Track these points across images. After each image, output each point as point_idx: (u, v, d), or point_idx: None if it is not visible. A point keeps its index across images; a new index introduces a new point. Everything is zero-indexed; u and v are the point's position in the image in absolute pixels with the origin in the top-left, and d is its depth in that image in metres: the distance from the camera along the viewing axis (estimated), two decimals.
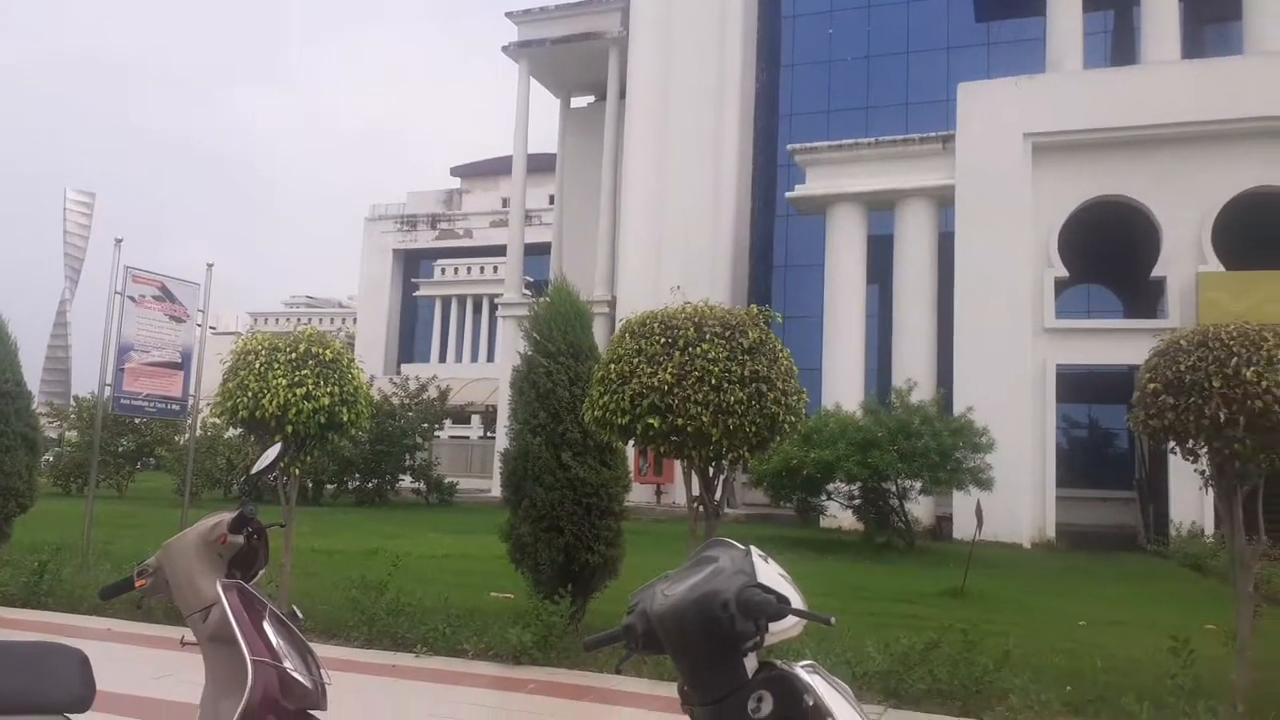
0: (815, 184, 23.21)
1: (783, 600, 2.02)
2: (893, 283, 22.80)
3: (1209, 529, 16.64)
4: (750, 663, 2.00)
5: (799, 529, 18.77)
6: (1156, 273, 19.82)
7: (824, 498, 17.43)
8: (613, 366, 6.43)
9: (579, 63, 30.73)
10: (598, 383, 6.56)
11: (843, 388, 21.37)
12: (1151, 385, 5.80)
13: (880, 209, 22.94)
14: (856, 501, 17.06)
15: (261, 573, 2.97)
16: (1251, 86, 19.17)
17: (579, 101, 33.76)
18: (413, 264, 57.12)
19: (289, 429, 7.41)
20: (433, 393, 27.12)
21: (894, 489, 16.52)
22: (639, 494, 23.89)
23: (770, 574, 2.07)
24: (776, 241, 29.01)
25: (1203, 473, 5.90)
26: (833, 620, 2.08)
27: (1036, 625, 8.81)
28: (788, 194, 24.21)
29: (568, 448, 7.45)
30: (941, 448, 15.53)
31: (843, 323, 22.64)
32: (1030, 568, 15.01)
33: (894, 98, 27.10)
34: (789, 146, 24.48)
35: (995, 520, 16.88)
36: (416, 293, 56.98)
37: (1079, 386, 21.89)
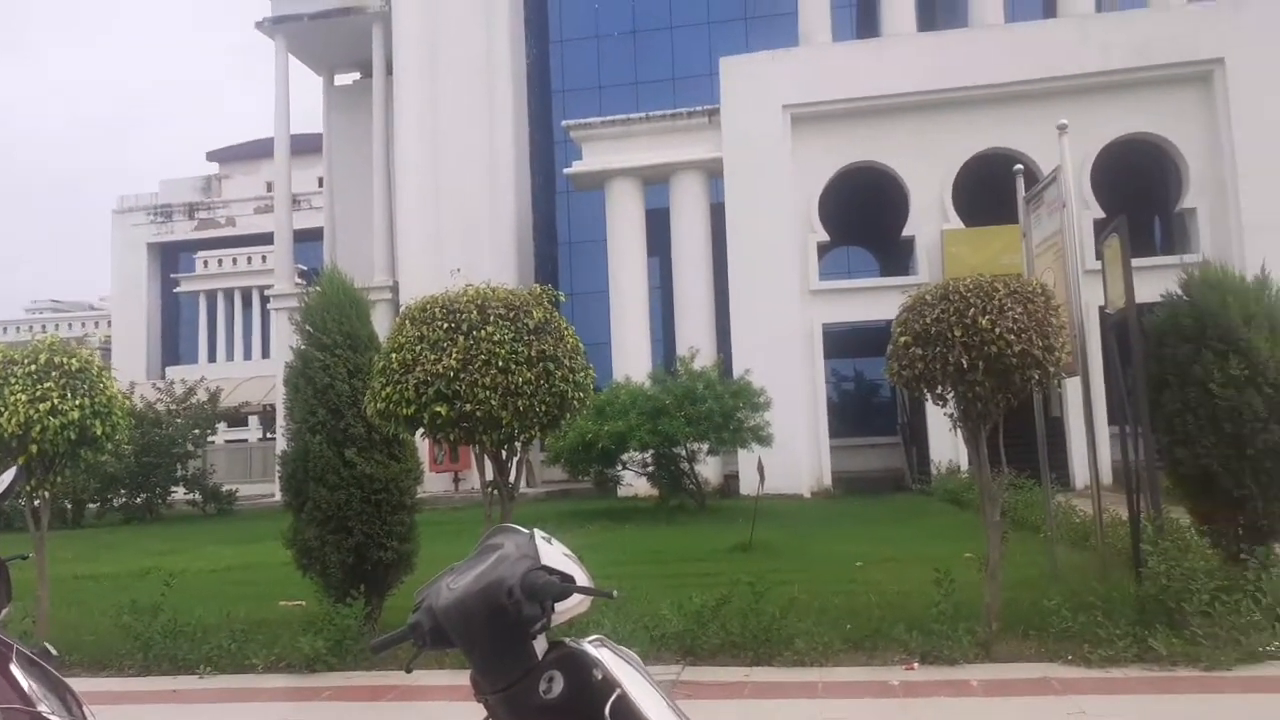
0: (592, 160, 23.42)
1: (567, 580, 2.05)
2: (671, 254, 23.43)
3: (964, 465, 18.30)
4: (540, 645, 2.02)
5: (598, 500, 19.07)
6: (906, 232, 21.45)
7: (619, 468, 17.79)
8: (394, 356, 6.26)
9: (340, 38, 29.37)
10: (379, 373, 6.36)
11: (631, 359, 21.81)
12: (903, 339, 6.27)
13: (656, 182, 23.47)
14: (650, 469, 17.53)
15: (5, 611, 2.70)
16: (978, 56, 21.00)
17: (343, 79, 32.31)
18: (171, 258, 53.04)
19: (33, 448, 6.74)
20: (202, 395, 25.37)
21: (684, 453, 17.09)
22: (436, 483, 23.45)
23: (554, 555, 2.10)
24: (559, 218, 29.09)
25: (951, 415, 6.47)
26: (615, 594, 2.13)
27: (818, 570, 9.40)
28: (565, 170, 24.31)
29: (351, 444, 7.20)
30: (724, 410, 16.20)
31: (627, 296, 23.06)
32: (811, 516, 15.99)
33: (662, 73, 27.71)
34: (564, 123, 24.55)
35: (777, 474, 17.79)
36: (177, 289, 53.01)
37: (844, 342, 23.39)
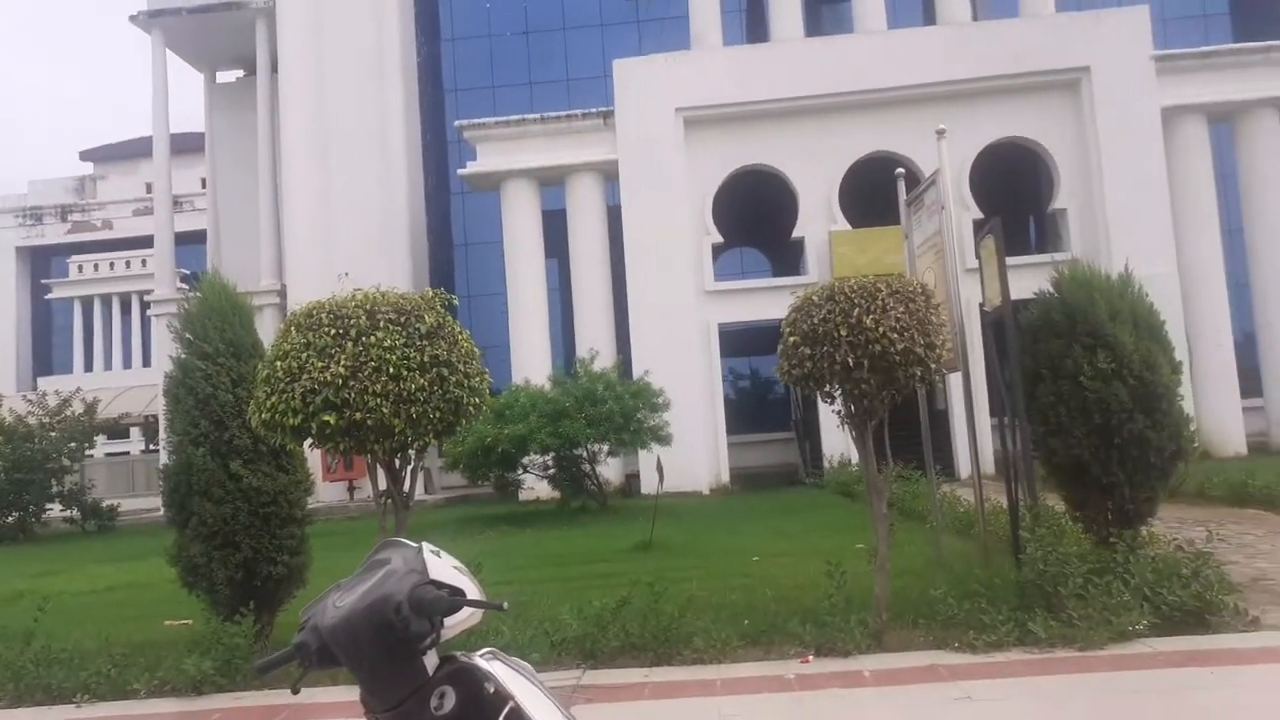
0: (486, 160, 23.19)
1: (457, 593, 2.04)
2: (569, 256, 23.39)
3: (855, 459, 18.81)
4: (430, 660, 2.00)
5: (498, 505, 18.92)
6: (796, 233, 21.94)
7: (520, 471, 17.68)
8: (279, 364, 6.07)
9: (222, 34, 28.35)
10: (263, 382, 6.16)
11: (531, 362, 21.69)
12: (792, 338, 6.41)
13: (552, 184, 23.39)
14: (551, 471, 17.47)
15: None
16: (862, 62, 21.63)
17: (226, 76, 31.20)
18: (42, 262, 50.30)
19: None
20: (78, 407, 24.13)
21: (585, 454, 17.09)
22: (330, 493, 22.90)
23: (443, 568, 2.08)
24: (454, 220, 28.70)
25: (839, 412, 6.65)
26: (505, 606, 2.13)
27: (716, 566, 9.53)
28: (460, 171, 24.00)
29: (237, 456, 6.96)
30: (624, 410, 16.27)
31: (525, 298, 22.91)
32: (709, 513, 16.21)
33: (556, 74, 27.63)
34: (457, 123, 24.24)
35: (677, 472, 17.96)
36: (49, 295, 50.24)
37: (740, 341, 23.78)
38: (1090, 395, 6.77)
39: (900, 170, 10.01)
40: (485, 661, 2.03)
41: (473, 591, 2.08)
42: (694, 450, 19.93)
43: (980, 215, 20.10)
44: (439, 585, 2.02)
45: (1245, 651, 5.69)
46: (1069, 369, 6.88)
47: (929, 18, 24.78)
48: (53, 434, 22.90)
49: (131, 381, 40.02)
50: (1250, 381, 21.38)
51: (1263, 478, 12.13)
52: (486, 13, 28.67)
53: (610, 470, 19.89)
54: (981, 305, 8.51)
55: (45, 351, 50.04)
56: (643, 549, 11.05)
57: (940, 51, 21.47)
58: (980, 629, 6.10)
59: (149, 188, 42.85)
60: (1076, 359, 6.85)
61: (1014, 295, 7.43)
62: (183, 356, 7.29)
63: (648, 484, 19.42)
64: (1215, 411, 20.30)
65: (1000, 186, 21.72)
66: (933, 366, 6.21)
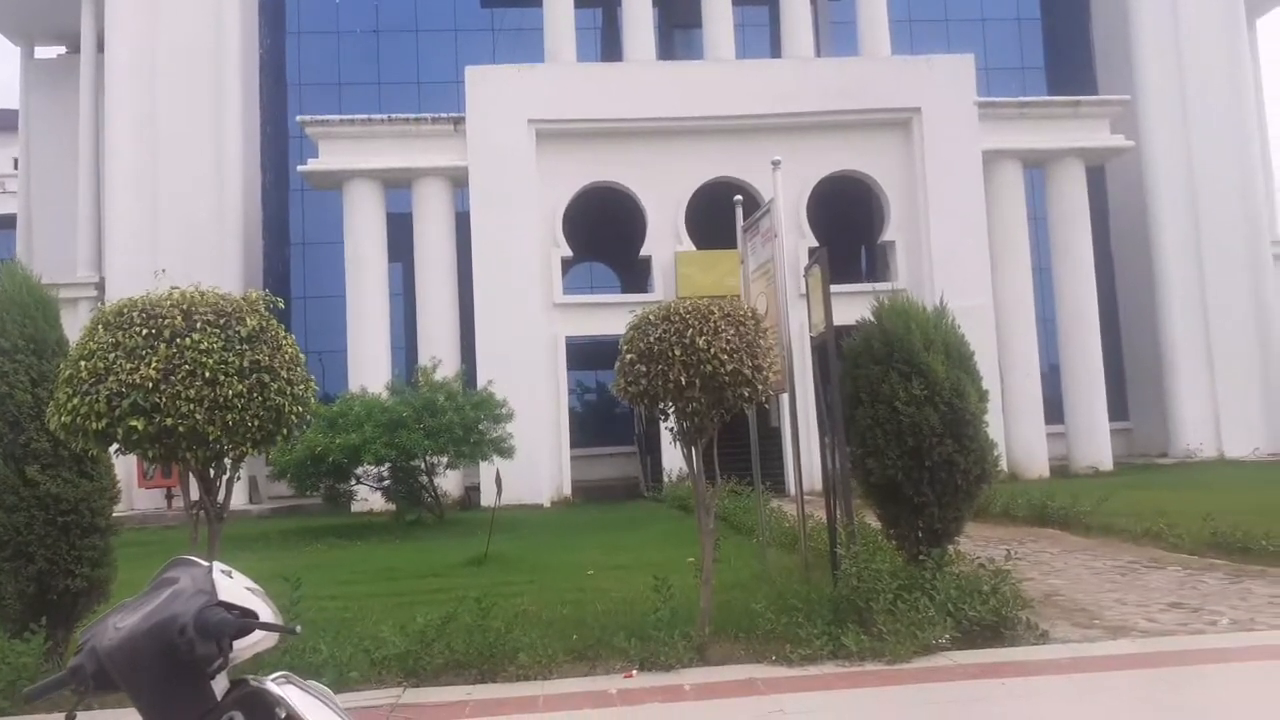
0: (329, 159, 22.46)
1: (248, 615, 1.98)
2: (414, 261, 22.90)
3: (688, 471, 19.21)
4: (220, 684, 1.94)
5: (329, 517, 18.24)
6: (644, 252, 22.27)
7: (353, 483, 17.11)
8: (83, 364, 5.68)
9: (42, 6, 26.40)
10: (64, 383, 5.75)
11: (369, 368, 21.08)
12: (629, 355, 6.52)
13: (398, 187, 22.88)
14: (386, 483, 17.00)
15: None
16: (708, 88, 22.23)
17: (46, 52, 29.04)
18: None
19: None
20: None
21: (422, 466, 16.73)
22: (147, 500, 21.56)
23: (235, 589, 2.02)
24: (293, 218, 27.60)
25: (671, 429, 6.80)
26: (299, 629, 2.08)
27: (550, 580, 9.53)
28: (300, 168, 23.15)
29: (34, 460, 6.47)
30: (465, 422, 16.03)
31: (366, 302, 22.26)
32: (549, 526, 16.17)
33: (406, 75, 27.10)
34: (299, 118, 23.38)
35: (518, 484, 17.91)
36: None
37: (586, 355, 23.90)
38: (904, 420, 7.17)
39: (739, 197, 10.35)
40: (277, 686, 1.99)
41: (265, 614, 2.03)
42: (537, 463, 19.86)
43: (816, 243, 20.95)
44: (229, 607, 1.97)
45: (1035, 663, 6.13)
46: (885, 394, 7.27)
47: (775, 49, 25.74)
48: None
49: None
50: (1054, 409, 23.13)
51: (1060, 499, 13.13)
52: (336, 9, 27.84)
53: (449, 482, 19.55)
54: (810, 330, 8.88)
55: None
56: (477, 563, 10.92)
57: (783, 84, 22.30)
58: (796, 643, 6.33)
59: None
60: (893, 384, 7.25)
61: (846, 320, 7.80)
62: None
63: (487, 496, 19.21)
64: (1022, 437, 21.86)
65: (837, 215, 22.74)
66: (760, 388, 6.43)
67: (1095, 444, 22.79)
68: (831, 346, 7.53)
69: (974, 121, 22.39)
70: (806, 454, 8.86)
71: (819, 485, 12.35)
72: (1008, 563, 7.23)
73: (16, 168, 30.40)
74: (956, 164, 22.05)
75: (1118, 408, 24.75)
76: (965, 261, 21.59)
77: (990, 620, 6.49)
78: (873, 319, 7.75)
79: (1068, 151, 23.22)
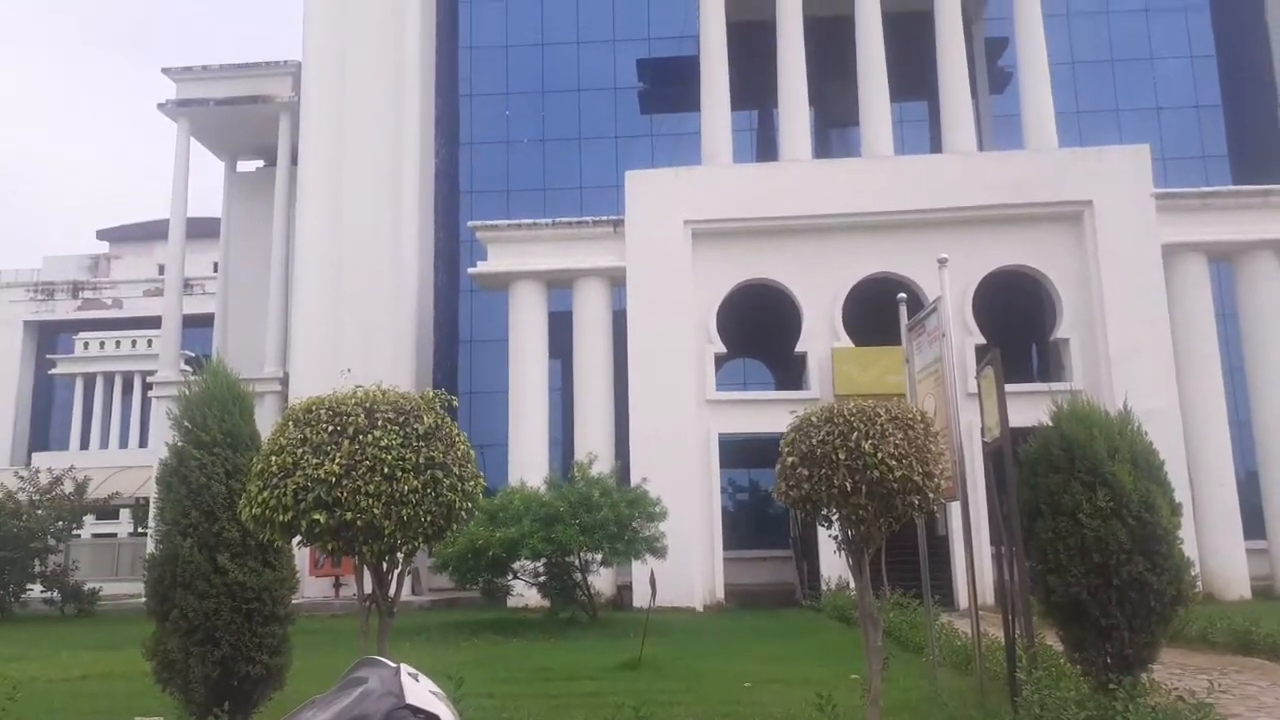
0: (497, 261, 23.55)
1: (433, 719, 1.99)
2: (573, 358, 23.52)
3: (852, 584, 18.50)
4: None
5: (486, 611, 18.49)
6: (799, 348, 22.06)
7: (510, 577, 17.31)
8: (274, 458, 6.04)
9: (246, 125, 29.20)
10: (256, 476, 6.12)
11: (529, 462, 21.56)
12: (790, 459, 6.38)
13: (560, 286, 23.70)
14: (542, 578, 17.13)
15: None
16: (868, 185, 22.16)
17: (246, 165, 32.01)
18: (49, 338, 50.59)
19: None
20: (69, 486, 23.92)
21: (577, 562, 16.80)
22: (315, 588, 22.47)
23: (420, 693, 2.04)
24: (461, 316, 28.95)
25: (835, 537, 6.56)
26: None
27: (706, 690, 9.26)
28: (470, 270, 24.35)
29: (224, 549, 6.87)
30: (619, 518, 16.06)
31: (527, 397, 22.94)
32: (702, 631, 15.82)
33: (569, 181, 28.29)
34: (470, 223, 24.70)
35: (670, 586, 17.67)
36: (53, 370, 50.36)
37: (740, 452, 23.68)
38: (1089, 534, 6.69)
39: (902, 295, 10.13)
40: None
41: (449, 718, 2.03)
42: (689, 564, 19.60)
43: (983, 340, 20.23)
44: (415, 710, 1.98)
45: None
46: (1067, 505, 6.82)
47: (935, 145, 25.48)
48: (39, 512, 22.64)
49: (126, 461, 39.76)
50: (1254, 522, 21.14)
51: (1267, 625, 11.87)
52: (506, 120, 29.55)
53: (602, 580, 19.50)
54: (982, 433, 8.49)
55: (44, 427, 49.91)
56: (631, 668, 10.75)
57: (946, 179, 21.99)
58: None
59: (161, 269, 43.53)
60: (1075, 495, 6.80)
61: (1016, 422, 7.41)
62: (179, 444, 7.27)
63: (640, 597, 19.00)
64: (1219, 552, 20.01)
65: (1004, 312, 21.94)
66: (930, 496, 6.15)
67: None
68: (1008, 453, 7.16)
69: (1151, 214, 21.34)
70: (979, 565, 8.36)
71: (992, 599, 11.59)
72: (1210, 695, 6.54)
73: (216, 270, 33.27)
74: (1133, 258, 20.99)
75: None
76: (1146, 361, 20.33)
77: None
78: (1050, 423, 7.34)
79: (1259, 244, 21.73)
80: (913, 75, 25.56)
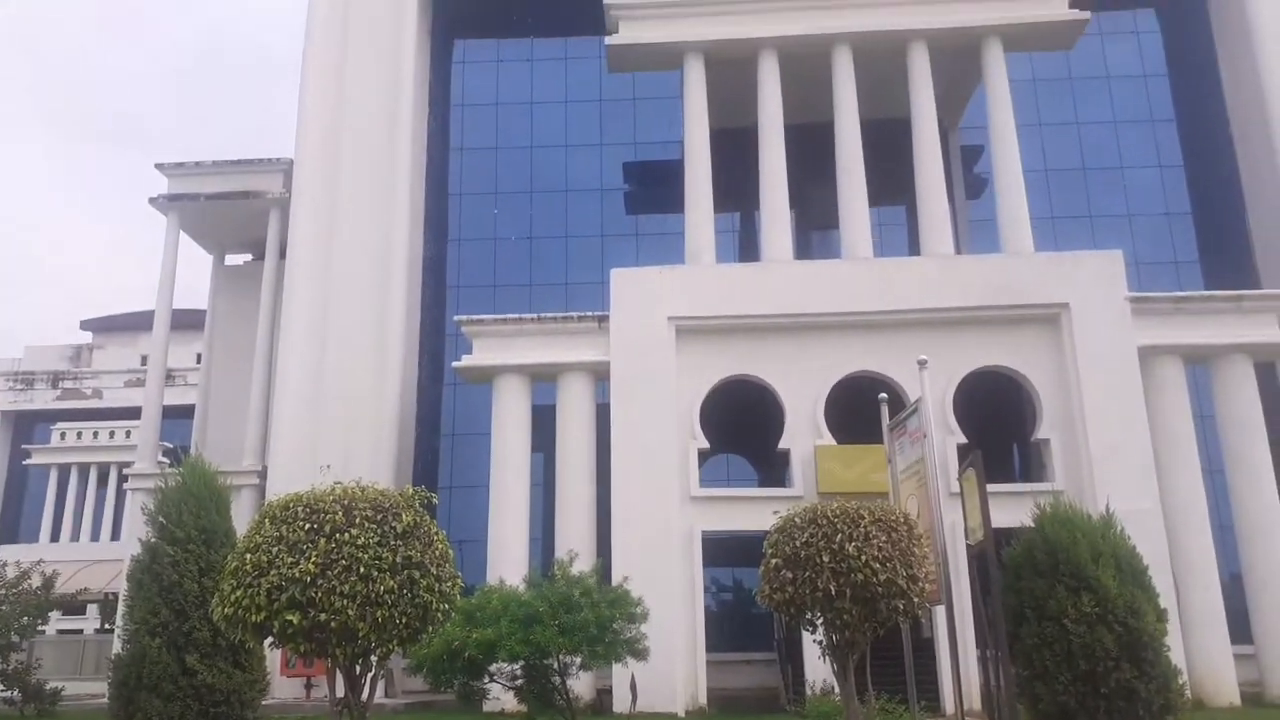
0: (481, 355, 23.61)
1: None
2: (555, 452, 23.37)
3: (838, 689, 18.09)
4: None
5: (461, 715, 17.93)
6: (782, 445, 22.05)
7: (487, 680, 16.80)
8: (249, 556, 5.95)
9: (236, 220, 29.65)
10: (229, 574, 6.01)
11: (508, 558, 21.22)
12: (774, 560, 6.34)
13: (544, 380, 23.72)
14: (519, 682, 16.62)
15: None
16: (849, 286, 22.53)
17: (234, 258, 32.29)
18: (26, 428, 50.07)
19: None
20: (36, 580, 23.30)
21: (555, 665, 16.35)
22: (287, 688, 21.78)
23: None
24: (444, 410, 28.86)
25: (820, 642, 6.46)
26: None
27: None
28: (454, 363, 24.38)
29: (194, 649, 6.71)
30: (600, 620, 15.66)
31: (508, 492, 22.69)
32: None
33: (554, 277, 28.63)
34: (456, 317, 24.84)
35: (651, 689, 17.26)
36: (28, 460, 49.65)
37: (723, 551, 23.39)
38: (1075, 640, 6.62)
39: (883, 395, 10.23)
40: None
41: None
42: (671, 666, 19.14)
43: (965, 439, 20.29)
44: None
45: None
46: (1053, 610, 6.77)
47: (914, 249, 26.01)
48: (4, 608, 21.99)
49: (96, 555, 38.88)
50: (1240, 626, 20.93)
51: None
52: (493, 218, 30.04)
53: (581, 684, 18.94)
54: (966, 534, 8.45)
55: (14, 518, 48.97)
56: None
57: (925, 280, 22.40)
58: None
59: (144, 360, 43.38)
60: (1060, 600, 6.76)
61: (999, 523, 7.39)
62: (152, 540, 7.17)
63: (620, 701, 18.54)
64: (1206, 658, 19.70)
65: (985, 411, 22.08)
66: (915, 600, 6.10)
67: None
68: (992, 556, 7.12)
69: (1126, 317, 21.71)
70: (964, 669, 8.20)
71: (978, 704, 11.35)
72: None
73: (199, 362, 33.19)
74: (1110, 360, 21.28)
75: None
76: (1127, 462, 20.40)
77: None
78: (1034, 525, 7.33)
79: (1233, 347, 22.08)
80: (891, 180, 26.22)
